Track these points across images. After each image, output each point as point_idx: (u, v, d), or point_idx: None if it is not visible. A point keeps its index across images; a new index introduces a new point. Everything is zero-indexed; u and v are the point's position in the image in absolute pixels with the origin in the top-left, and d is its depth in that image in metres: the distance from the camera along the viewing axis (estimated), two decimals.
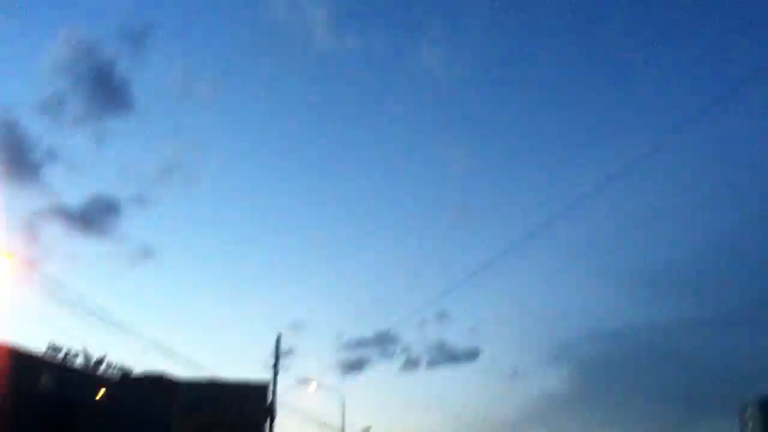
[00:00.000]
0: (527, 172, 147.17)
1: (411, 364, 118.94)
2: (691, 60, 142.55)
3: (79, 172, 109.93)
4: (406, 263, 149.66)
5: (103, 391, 48.50)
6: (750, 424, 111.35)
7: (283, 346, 30.22)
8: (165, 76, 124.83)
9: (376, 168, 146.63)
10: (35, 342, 49.65)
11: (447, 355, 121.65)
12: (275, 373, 28.88)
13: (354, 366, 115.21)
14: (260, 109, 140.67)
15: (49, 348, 44.33)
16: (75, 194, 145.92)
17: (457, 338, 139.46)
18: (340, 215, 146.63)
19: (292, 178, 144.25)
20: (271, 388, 27.61)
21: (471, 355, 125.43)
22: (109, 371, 49.88)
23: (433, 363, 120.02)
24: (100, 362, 48.87)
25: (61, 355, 45.58)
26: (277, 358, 29.32)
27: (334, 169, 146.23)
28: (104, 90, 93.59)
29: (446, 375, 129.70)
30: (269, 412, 26.64)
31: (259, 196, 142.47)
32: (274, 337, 30.26)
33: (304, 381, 35.49)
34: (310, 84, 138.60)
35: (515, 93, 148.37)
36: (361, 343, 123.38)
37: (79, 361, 47.29)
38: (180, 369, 49.12)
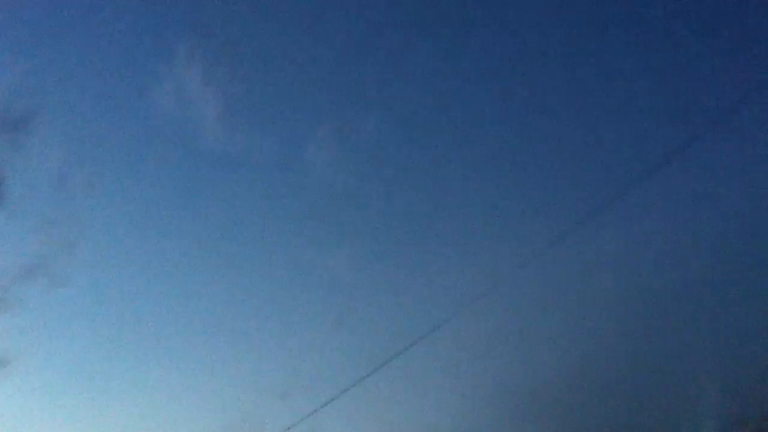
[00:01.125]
0: (410, 282, 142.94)
1: None
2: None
3: None
4: (276, 379, 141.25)
5: None
6: None
7: None
8: (41, 166, 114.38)
9: (251, 276, 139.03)
10: None
11: None
12: None
13: None
14: (140, 205, 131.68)
15: None
16: None
17: None
18: (212, 326, 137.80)
19: (168, 284, 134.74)
20: None
21: None
22: None
23: None
24: None
25: None
26: None
27: (211, 278, 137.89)
28: None
29: None
30: None
31: (130, 300, 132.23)
32: None
33: None
34: (194, 180, 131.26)
35: (403, 199, 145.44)
36: None
37: None
38: None
